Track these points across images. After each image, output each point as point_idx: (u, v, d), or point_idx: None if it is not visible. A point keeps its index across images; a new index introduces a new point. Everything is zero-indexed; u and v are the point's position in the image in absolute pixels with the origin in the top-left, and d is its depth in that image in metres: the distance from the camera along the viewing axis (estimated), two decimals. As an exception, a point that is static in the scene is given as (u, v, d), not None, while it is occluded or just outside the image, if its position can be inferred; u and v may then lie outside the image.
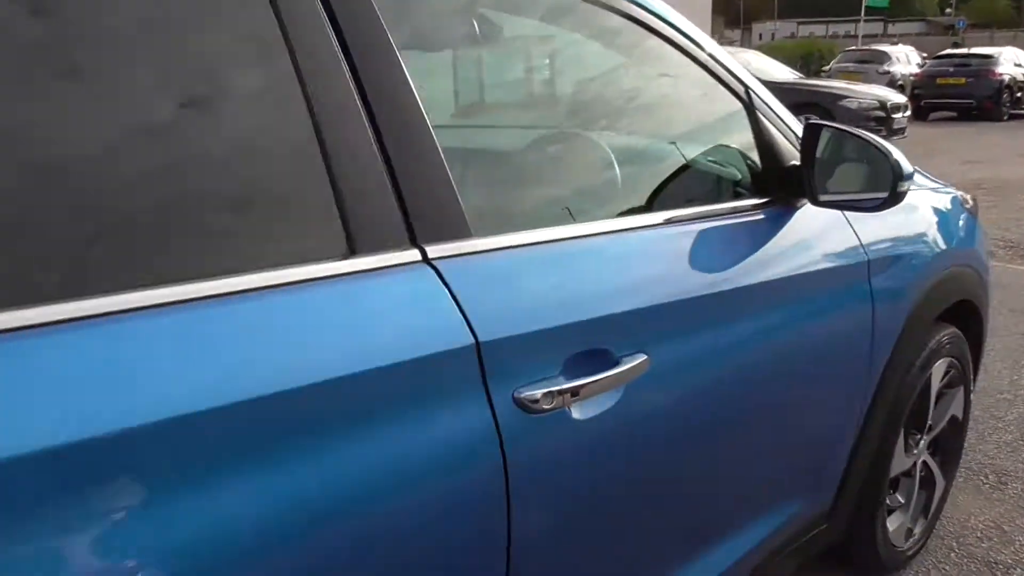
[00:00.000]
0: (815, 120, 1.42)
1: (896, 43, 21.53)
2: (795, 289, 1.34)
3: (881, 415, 1.59)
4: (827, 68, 18.42)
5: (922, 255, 1.65)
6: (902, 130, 10.23)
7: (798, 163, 1.38)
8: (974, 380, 2.05)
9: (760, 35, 61.46)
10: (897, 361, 1.58)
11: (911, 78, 15.90)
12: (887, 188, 1.29)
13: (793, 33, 57.71)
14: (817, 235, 1.41)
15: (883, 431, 1.61)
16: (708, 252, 1.24)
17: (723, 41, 16.37)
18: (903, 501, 1.83)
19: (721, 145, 1.48)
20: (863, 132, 1.35)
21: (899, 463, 1.73)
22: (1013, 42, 20.27)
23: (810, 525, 1.54)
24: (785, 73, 10.86)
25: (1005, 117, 14.70)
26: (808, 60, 24.03)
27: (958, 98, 14.68)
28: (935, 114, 15.14)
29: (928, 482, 1.92)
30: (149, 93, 0.74)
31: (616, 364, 0.99)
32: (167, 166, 0.74)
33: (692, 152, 1.46)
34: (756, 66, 9.63)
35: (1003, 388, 3.02)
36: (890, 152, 1.30)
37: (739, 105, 1.40)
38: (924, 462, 1.88)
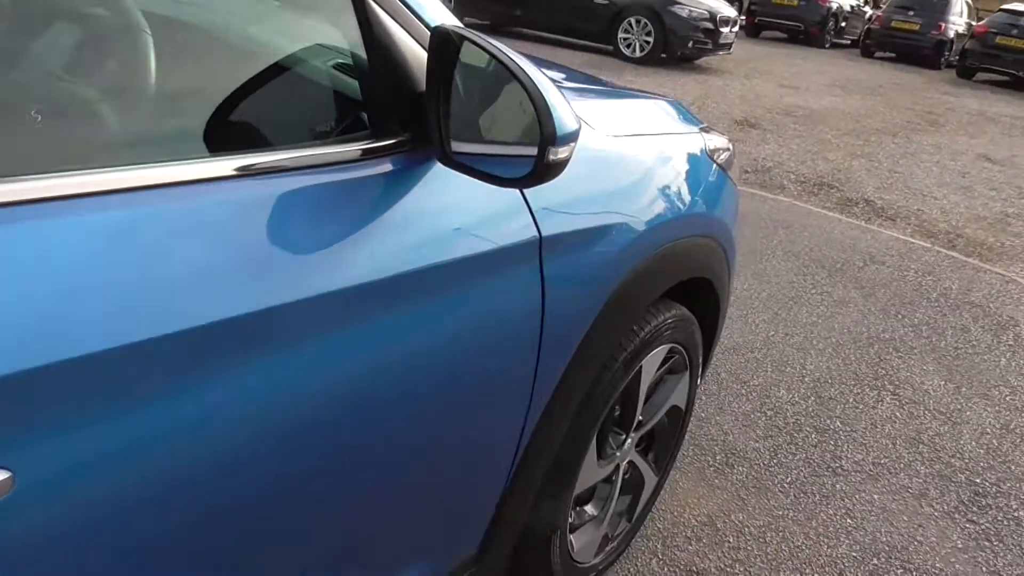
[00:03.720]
0: (448, 26, 0.90)
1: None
2: (413, 289, 0.89)
3: (558, 430, 1.22)
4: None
5: (631, 227, 1.23)
6: (728, 45, 10.05)
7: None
8: (707, 363, 1.78)
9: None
10: (586, 362, 1.20)
11: (752, -7, 15.80)
12: (532, 155, 0.85)
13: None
14: (461, 203, 0.96)
15: (562, 449, 1.25)
16: (284, 231, 0.78)
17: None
18: (595, 513, 1.54)
19: (321, 47, 0.97)
20: (514, 58, 0.87)
21: (590, 475, 1.41)
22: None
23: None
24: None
25: (827, 45, 15.25)
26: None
27: (789, 20, 14.95)
28: (767, 33, 15.47)
29: (634, 484, 1.63)
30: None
31: None
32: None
33: (275, 51, 0.95)
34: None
35: (757, 345, 2.82)
36: (541, 96, 0.83)
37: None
38: (631, 461, 1.58)
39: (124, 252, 0.66)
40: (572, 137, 0.86)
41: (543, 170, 0.85)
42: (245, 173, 0.77)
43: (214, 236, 0.72)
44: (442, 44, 0.88)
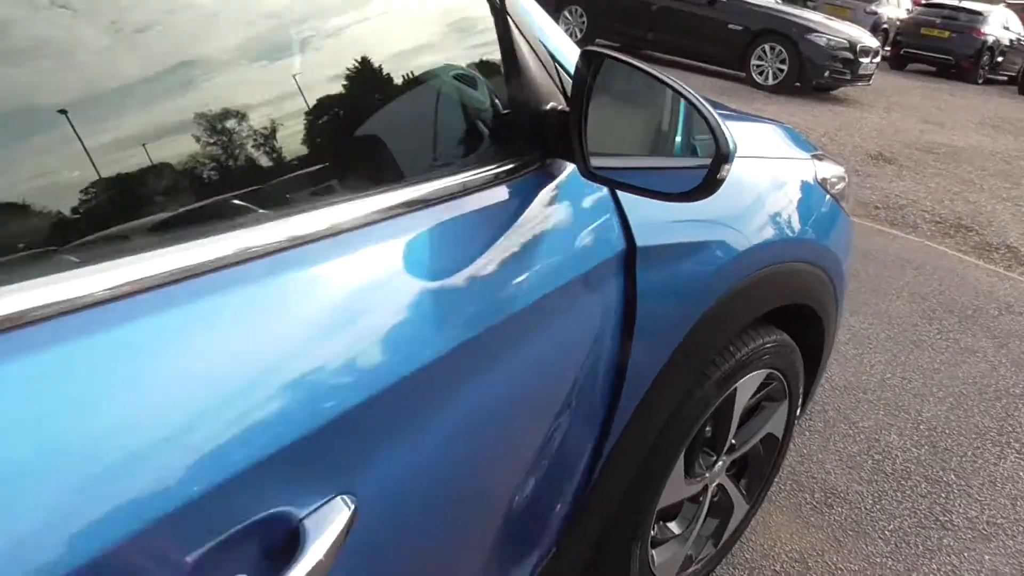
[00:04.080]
0: (595, 48, 0.95)
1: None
2: (549, 308, 0.93)
3: (644, 439, 1.23)
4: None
5: (730, 245, 1.25)
6: (868, 76, 9.60)
7: (563, 108, 0.96)
8: (809, 396, 1.74)
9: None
10: (676, 374, 1.22)
11: (898, 22, 15.07)
12: (703, 170, 0.89)
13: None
14: (577, 218, 1.00)
15: (648, 460, 1.27)
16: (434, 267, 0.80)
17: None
18: (679, 531, 1.54)
19: (456, 68, 0.98)
20: (669, 78, 0.92)
21: (676, 491, 1.42)
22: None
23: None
24: (768, -2, 9.63)
25: (980, 80, 14.25)
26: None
27: (938, 52, 14.03)
28: (913, 65, 14.65)
29: (723, 508, 1.62)
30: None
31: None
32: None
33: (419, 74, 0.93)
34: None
35: (870, 387, 2.70)
36: (714, 115, 0.89)
37: (485, 8, 0.94)
38: (720, 485, 1.57)
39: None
40: (735, 154, 0.90)
41: (713, 185, 0.89)
42: (401, 211, 0.78)
43: (378, 280, 0.74)
44: (588, 64, 0.92)
